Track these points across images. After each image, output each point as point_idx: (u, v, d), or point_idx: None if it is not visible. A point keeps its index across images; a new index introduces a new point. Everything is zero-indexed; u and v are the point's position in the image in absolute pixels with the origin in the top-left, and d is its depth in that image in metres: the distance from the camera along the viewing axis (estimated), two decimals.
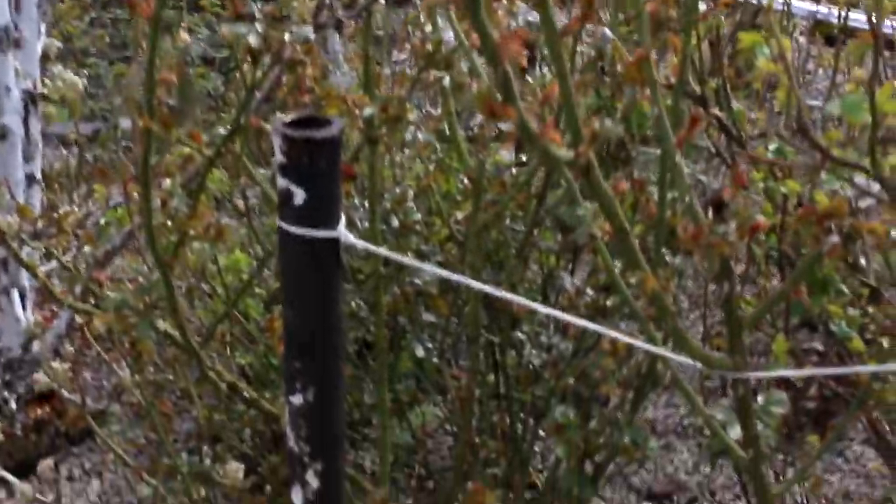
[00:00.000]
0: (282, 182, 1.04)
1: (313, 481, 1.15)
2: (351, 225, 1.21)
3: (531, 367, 2.07)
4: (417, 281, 1.99)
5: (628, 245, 0.99)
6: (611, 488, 2.98)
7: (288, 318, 1.11)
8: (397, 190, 2.10)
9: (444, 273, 1.40)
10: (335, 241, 1.05)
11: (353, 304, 2.15)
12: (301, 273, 1.08)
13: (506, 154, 1.79)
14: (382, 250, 1.28)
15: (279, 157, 1.03)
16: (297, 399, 1.13)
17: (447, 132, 1.88)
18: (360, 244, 1.05)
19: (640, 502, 2.93)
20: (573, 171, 0.95)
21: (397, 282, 2.02)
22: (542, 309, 1.37)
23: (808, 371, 1.07)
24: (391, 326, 2.11)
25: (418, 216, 2.01)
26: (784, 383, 1.79)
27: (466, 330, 1.92)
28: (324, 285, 1.09)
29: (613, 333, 1.10)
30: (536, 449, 2.46)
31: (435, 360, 2.08)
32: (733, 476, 2.98)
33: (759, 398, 1.26)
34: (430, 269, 1.24)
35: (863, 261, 1.44)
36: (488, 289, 1.34)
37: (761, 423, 1.23)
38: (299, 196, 1.04)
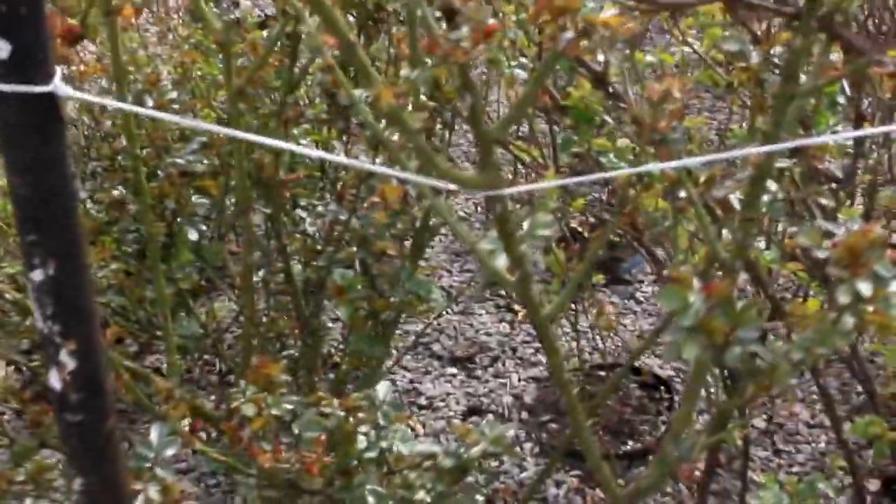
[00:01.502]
0: None
1: (69, 361, 1.08)
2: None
3: (312, 239, 2.02)
4: (181, 161, 1.91)
5: (357, 58, 0.95)
6: (413, 358, 2.99)
7: (14, 188, 1.03)
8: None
9: (195, 124, 1.32)
10: (52, 97, 0.97)
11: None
12: (19, 136, 1.00)
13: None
14: (107, 100, 1.19)
15: None
16: (37, 275, 1.05)
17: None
18: (79, 95, 0.97)
19: (444, 367, 2.96)
20: None
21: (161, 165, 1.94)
22: (310, 153, 1.31)
23: (568, 180, 1.05)
24: (163, 216, 2.03)
25: (174, 94, 1.91)
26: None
27: (237, 204, 1.85)
28: (47, 147, 1.01)
29: (376, 168, 1.05)
30: (330, 325, 2.44)
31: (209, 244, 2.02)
32: (532, 332, 3.04)
33: (526, 224, 1.25)
34: (170, 118, 1.15)
35: (607, 57, 1.44)
36: (253, 137, 1.27)
37: (529, 245, 1.22)
38: (3, 50, 0.95)
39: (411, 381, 2.89)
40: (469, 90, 0.97)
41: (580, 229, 3.18)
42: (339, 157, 1.32)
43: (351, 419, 1.47)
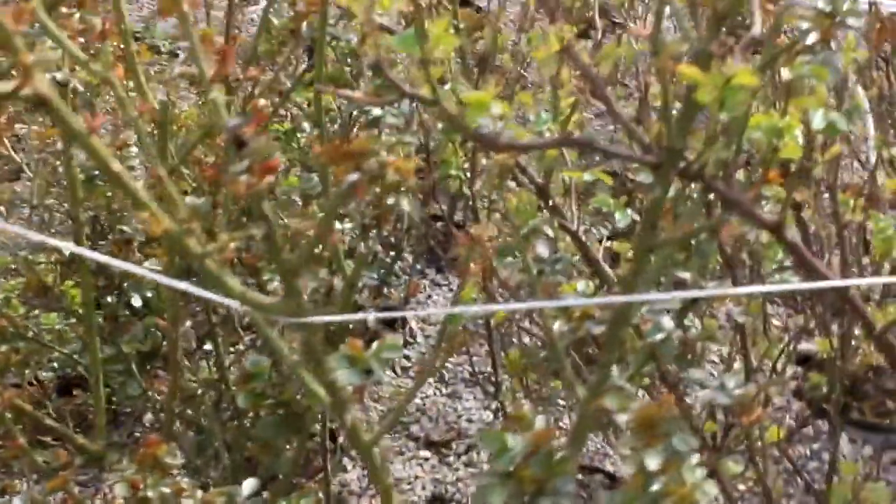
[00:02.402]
0: None
1: None
2: None
3: None
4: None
5: (126, 188, 0.95)
6: (389, 436, 2.97)
7: None
8: None
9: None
10: None
11: None
12: None
13: None
14: None
15: None
16: None
17: None
18: None
19: (418, 449, 2.93)
20: None
21: None
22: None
23: (368, 314, 1.05)
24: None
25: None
26: None
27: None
28: None
29: (190, 288, 1.05)
30: None
31: None
32: None
33: (375, 344, 1.24)
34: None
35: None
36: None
37: (375, 368, 1.21)
38: None
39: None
40: (264, 220, 0.98)
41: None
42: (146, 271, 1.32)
43: None
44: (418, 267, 3.53)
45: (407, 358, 3.27)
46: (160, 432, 1.99)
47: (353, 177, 0.93)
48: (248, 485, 1.47)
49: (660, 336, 1.46)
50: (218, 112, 0.96)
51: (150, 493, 1.56)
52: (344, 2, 1.06)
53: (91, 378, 1.92)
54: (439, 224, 3.41)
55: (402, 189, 0.94)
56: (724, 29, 1.12)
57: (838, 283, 1.31)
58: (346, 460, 2.81)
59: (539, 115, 1.91)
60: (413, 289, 3.22)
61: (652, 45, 1.01)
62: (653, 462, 1.01)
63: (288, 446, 1.82)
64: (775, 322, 2.56)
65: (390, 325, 3.27)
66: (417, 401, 3.05)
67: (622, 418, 1.04)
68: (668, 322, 1.48)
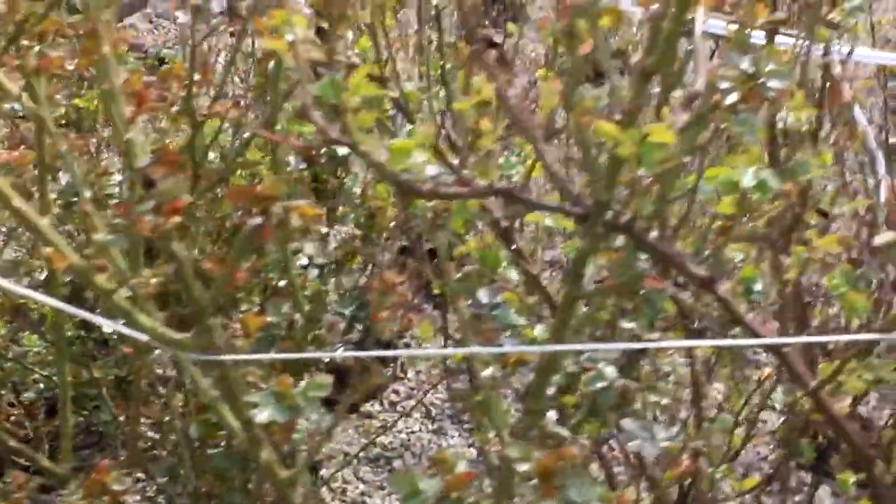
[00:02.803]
0: None
1: None
2: None
3: None
4: None
5: (23, 218, 0.97)
6: (372, 469, 2.98)
7: None
8: None
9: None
10: None
11: None
12: None
13: None
14: None
15: None
16: None
17: None
18: None
19: None
20: None
21: None
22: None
23: (278, 355, 1.06)
24: None
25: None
26: None
27: None
28: None
29: (98, 320, 1.07)
30: None
31: None
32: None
33: (304, 381, 1.25)
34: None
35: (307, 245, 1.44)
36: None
37: (302, 405, 1.22)
38: None
39: (362, 493, 2.88)
40: (174, 260, 0.99)
41: None
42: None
43: None
44: (415, 301, 3.55)
45: (396, 392, 3.28)
46: (128, 458, 2.01)
47: (257, 220, 0.95)
48: None
49: (600, 385, 1.47)
50: (134, 152, 0.98)
51: None
52: (272, 46, 1.08)
53: (59, 402, 1.94)
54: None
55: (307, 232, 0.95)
56: (651, 84, 1.13)
57: (770, 340, 1.32)
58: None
59: (507, 158, 1.93)
60: (405, 323, 3.23)
61: (564, 100, 1.02)
62: None
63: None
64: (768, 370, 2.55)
65: (381, 358, 3.28)
66: (402, 436, 3.06)
67: (523, 468, 1.04)
68: (610, 371, 1.48)
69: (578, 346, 1.24)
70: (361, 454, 2.96)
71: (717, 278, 1.27)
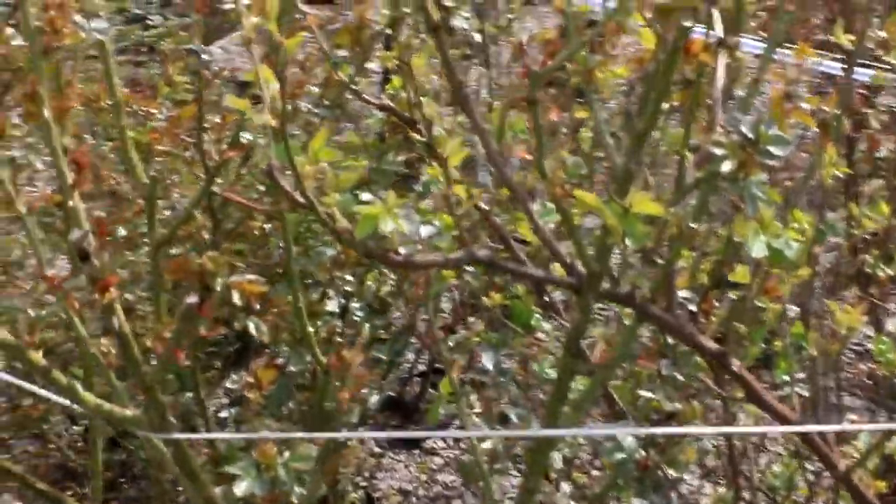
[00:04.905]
0: None
1: None
2: None
3: None
4: None
5: None
6: None
7: None
8: None
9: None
10: None
11: None
12: None
13: None
14: None
15: None
16: None
17: None
18: None
19: None
20: None
21: None
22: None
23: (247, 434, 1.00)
24: None
25: None
26: None
27: None
28: None
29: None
30: None
31: None
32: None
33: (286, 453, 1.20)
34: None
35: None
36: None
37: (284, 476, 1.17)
38: None
39: None
40: (121, 337, 0.95)
41: None
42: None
43: None
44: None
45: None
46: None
47: (193, 298, 0.89)
48: None
49: (619, 456, 1.38)
50: (77, 220, 0.93)
51: None
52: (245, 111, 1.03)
53: (91, 441, 1.93)
54: None
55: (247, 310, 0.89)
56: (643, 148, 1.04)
57: (795, 428, 1.21)
58: None
59: (544, 204, 1.85)
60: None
61: (538, 170, 0.95)
62: None
63: None
64: None
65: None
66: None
67: None
68: (630, 442, 1.39)
69: (581, 431, 1.15)
70: (421, 492, 2.90)
71: (729, 353, 1.17)
